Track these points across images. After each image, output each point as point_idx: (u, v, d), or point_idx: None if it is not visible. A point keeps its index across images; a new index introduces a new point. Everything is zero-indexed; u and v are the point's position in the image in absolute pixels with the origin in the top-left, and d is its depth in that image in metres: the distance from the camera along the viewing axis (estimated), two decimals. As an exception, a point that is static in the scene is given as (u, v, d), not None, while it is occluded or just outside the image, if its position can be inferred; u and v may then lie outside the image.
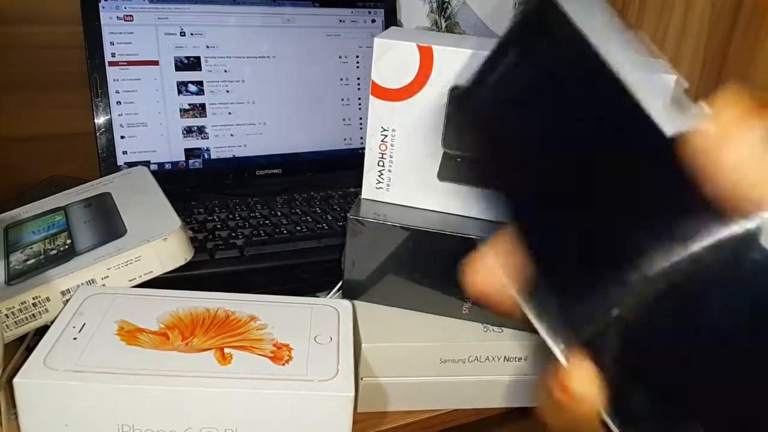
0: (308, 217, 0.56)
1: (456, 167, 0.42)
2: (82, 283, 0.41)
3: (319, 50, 0.65)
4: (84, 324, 0.36)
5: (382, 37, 0.41)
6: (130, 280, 0.42)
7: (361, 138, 0.67)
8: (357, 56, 0.67)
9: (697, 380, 0.16)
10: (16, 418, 0.33)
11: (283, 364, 0.35)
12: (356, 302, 0.43)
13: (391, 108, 0.42)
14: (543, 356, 0.20)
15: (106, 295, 0.39)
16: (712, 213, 0.16)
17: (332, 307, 0.41)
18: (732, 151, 0.16)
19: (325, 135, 0.66)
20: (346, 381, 0.34)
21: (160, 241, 0.43)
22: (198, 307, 0.39)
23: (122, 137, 0.59)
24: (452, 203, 0.43)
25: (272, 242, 0.52)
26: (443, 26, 0.75)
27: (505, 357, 0.41)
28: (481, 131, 0.20)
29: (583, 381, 0.17)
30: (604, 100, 0.18)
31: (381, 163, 0.44)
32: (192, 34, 0.60)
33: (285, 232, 0.54)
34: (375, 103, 0.43)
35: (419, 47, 0.41)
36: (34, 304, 0.40)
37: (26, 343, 0.41)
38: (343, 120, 0.67)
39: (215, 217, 0.55)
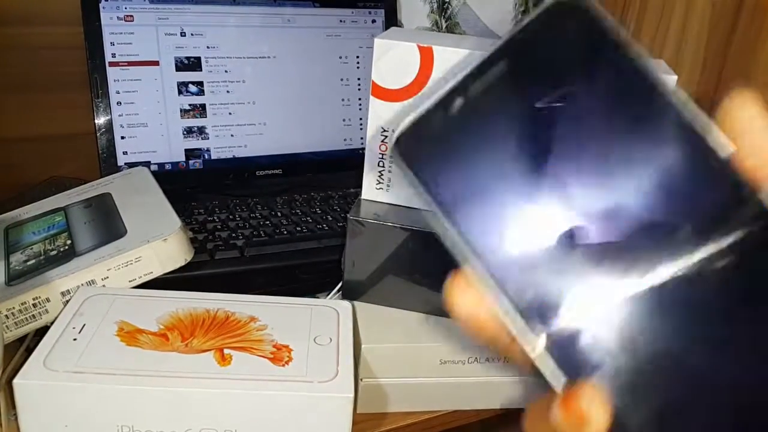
0: (308, 218, 0.56)
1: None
2: (82, 284, 0.41)
3: (319, 50, 0.65)
4: (84, 325, 0.36)
5: (383, 38, 0.41)
6: (130, 281, 0.42)
7: (362, 138, 0.67)
8: (357, 56, 0.67)
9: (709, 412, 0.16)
10: (16, 419, 0.33)
11: (283, 365, 0.35)
12: (356, 303, 0.43)
13: (391, 108, 0.42)
14: (536, 386, 0.18)
15: (106, 295, 0.39)
16: None
17: (332, 308, 0.41)
18: None
19: (325, 135, 0.66)
20: (346, 382, 0.34)
21: (160, 241, 0.43)
22: (198, 307, 0.39)
23: (122, 138, 0.59)
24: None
25: (272, 243, 0.52)
26: (444, 26, 0.75)
27: (504, 358, 0.41)
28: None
29: (591, 406, 0.16)
30: (658, 115, 0.17)
31: (381, 164, 0.44)
32: (192, 34, 0.60)
33: (285, 232, 0.54)
34: (375, 104, 0.43)
35: (420, 47, 0.41)
36: (34, 305, 0.40)
37: (26, 344, 0.41)
38: (344, 120, 0.67)
39: (215, 218, 0.55)
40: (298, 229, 0.54)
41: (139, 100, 0.59)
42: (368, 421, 0.41)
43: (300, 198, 0.61)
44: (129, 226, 0.45)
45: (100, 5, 0.57)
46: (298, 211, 0.58)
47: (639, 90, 0.17)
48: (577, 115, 0.17)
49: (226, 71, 0.62)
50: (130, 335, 0.36)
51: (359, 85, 0.67)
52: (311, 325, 0.39)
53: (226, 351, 0.36)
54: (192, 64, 0.60)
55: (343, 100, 0.67)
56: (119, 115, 0.58)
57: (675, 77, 0.39)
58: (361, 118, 0.68)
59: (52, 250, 0.45)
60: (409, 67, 0.41)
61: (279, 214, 0.57)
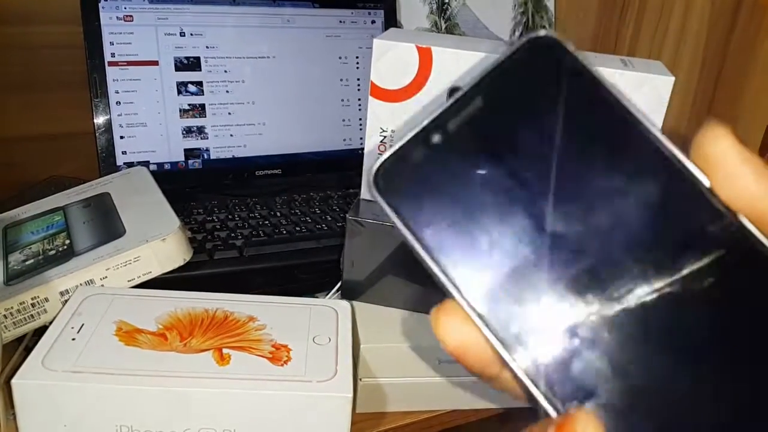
0: (307, 218, 0.56)
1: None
2: (81, 284, 0.41)
3: (318, 51, 0.65)
4: (82, 324, 0.36)
5: (382, 38, 0.41)
6: (128, 281, 0.42)
7: (361, 138, 0.67)
8: (357, 57, 0.67)
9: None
10: (15, 418, 0.33)
11: (282, 365, 0.35)
12: (355, 303, 0.43)
13: (390, 109, 0.42)
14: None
15: (104, 295, 0.39)
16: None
17: (331, 308, 0.41)
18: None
19: (324, 135, 0.66)
20: (345, 382, 0.34)
21: (159, 241, 0.43)
22: (196, 307, 0.39)
23: (122, 137, 0.59)
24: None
25: (271, 243, 0.52)
26: (443, 27, 0.75)
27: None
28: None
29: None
30: (637, 151, 0.17)
31: (380, 164, 0.44)
32: (192, 34, 0.60)
33: (284, 232, 0.54)
34: (374, 104, 0.43)
35: (418, 48, 0.41)
36: (32, 305, 0.40)
37: (25, 344, 0.41)
38: (343, 120, 0.67)
39: (214, 218, 0.55)
40: (297, 229, 0.54)
41: (138, 100, 0.59)
42: (367, 420, 0.41)
43: (299, 198, 0.61)
44: (128, 226, 0.45)
45: (100, 5, 0.57)
46: (297, 211, 0.58)
47: (615, 125, 0.18)
48: (554, 149, 0.18)
49: (225, 71, 0.62)
50: (129, 335, 0.36)
51: (359, 85, 0.67)
52: (310, 324, 0.39)
53: (224, 351, 0.36)
54: (191, 64, 0.60)
55: (342, 100, 0.67)
56: (118, 115, 0.58)
57: (672, 78, 0.39)
58: (360, 119, 0.68)
59: (51, 249, 0.45)
60: (408, 68, 0.41)
61: (278, 214, 0.57)
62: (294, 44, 0.64)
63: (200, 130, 0.61)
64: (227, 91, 0.62)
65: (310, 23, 0.65)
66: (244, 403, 0.33)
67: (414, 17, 0.73)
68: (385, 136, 0.43)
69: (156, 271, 0.43)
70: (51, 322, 0.37)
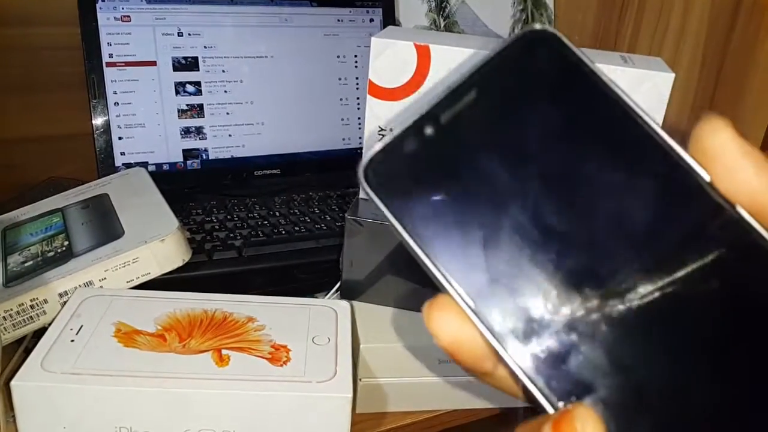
0: (306, 218, 0.56)
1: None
2: (80, 285, 0.41)
3: (317, 50, 0.65)
4: (81, 326, 0.36)
5: (380, 37, 0.41)
6: (127, 282, 0.42)
7: (360, 138, 0.67)
8: (355, 56, 0.67)
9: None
10: (14, 420, 0.33)
11: (281, 366, 0.35)
12: (354, 303, 0.43)
13: (388, 107, 0.42)
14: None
15: (103, 297, 0.39)
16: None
17: (330, 308, 0.41)
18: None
19: (323, 135, 0.66)
20: (345, 382, 0.34)
21: (158, 242, 0.43)
22: (196, 308, 0.39)
23: (120, 138, 0.59)
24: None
25: (270, 243, 0.52)
26: (442, 25, 0.75)
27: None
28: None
29: (585, 428, 0.15)
30: (634, 145, 0.17)
31: (379, 163, 0.44)
32: (189, 34, 0.60)
33: (283, 232, 0.53)
34: (372, 103, 0.42)
35: (416, 46, 0.41)
36: (31, 306, 0.40)
37: (24, 345, 0.41)
38: (342, 120, 0.67)
39: (213, 218, 0.55)
40: (297, 228, 0.54)
41: (136, 101, 0.59)
42: (367, 421, 0.41)
43: (298, 198, 0.60)
44: (126, 227, 0.45)
45: (97, 6, 0.57)
46: (296, 210, 0.58)
47: (612, 118, 0.17)
48: (549, 143, 0.17)
49: (223, 71, 0.62)
50: (128, 336, 0.36)
51: (357, 84, 0.67)
52: (309, 325, 0.39)
53: (224, 351, 0.35)
54: (189, 64, 0.60)
55: (341, 99, 0.67)
56: (116, 116, 0.58)
57: (672, 75, 0.39)
58: (359, 118, 0.68)
59: (50, 251, 0.45)
60: (407, 66, 0.41)
61: (277, 213, 0.57)
62: (292, 43, 0.64)
63: (198, 131, 0.61)
64: (225, 91, 0.62)
65: (309, 22, 0.65)
66: (243, 404, 0.33)
67: (413, 15, 0.73)
68: (383, 135, 0.43)
69: (155, 272, 0.43)
70: (50, 324, 0.37)
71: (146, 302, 0.39)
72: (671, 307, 0.16)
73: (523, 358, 0.17)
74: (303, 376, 0.34)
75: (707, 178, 0.17)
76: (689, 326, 0.16)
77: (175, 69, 0.60)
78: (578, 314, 0.17)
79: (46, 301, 0.40)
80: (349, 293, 0.45)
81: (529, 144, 0.17)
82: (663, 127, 0.17)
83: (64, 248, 0.45)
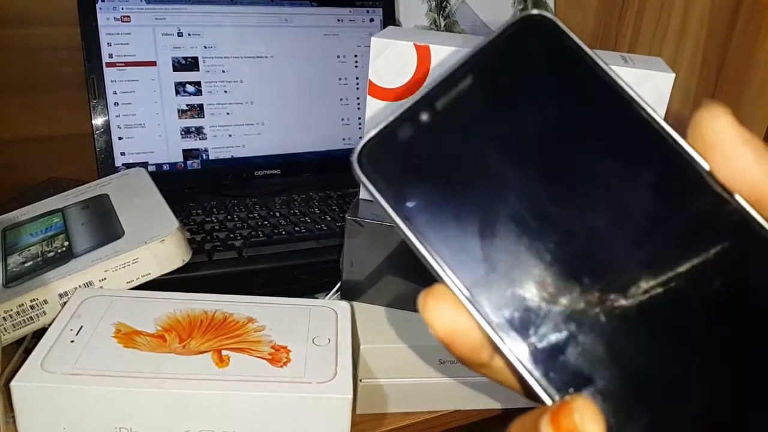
0: (307, 218, 0.56)
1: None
2: (80, 286, 0.41)
3: (317, 50, 0.65)
4: (81, 327, 0.36)
5: (380, 37, 0.41)
6: (127, 282, 0.42)
7: (360, 138, 0.67)
8: (355, 56, 0.67)
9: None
10: (14, 421, 0.33)
11: (281, 366, 0.35)
12: (355, 303, 0.43)
13: (388, 107, 0.42)
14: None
15: (103, 297, 0.39)
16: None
17: (330, 309, 0.41)
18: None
19: (323, 135, 0.66)
20: (345, 383, 0.34)
21: (158, 242, 0.43)
22: (195, 309, 0.39)
23: (120, 138, 0.58)
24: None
25: (271, 243, 0.52)
26: (442, 25, 0.75)
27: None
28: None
29: (583, 420, 0.15)
30: (632, 132, 0.17)
31: (379, 164, 0.44)
32: (189, 34, 0.60)
33: (283, 232, 0.53)
34: (372, 103, 0.42)
35: (416, 46, 0.40)
36: (31, 307, 0.40)
37: (24, 346, 0.41)
38: (342, 120, 0.67)
39: (213, 218, 0.55)
40: (297, 229, 0.54)
41: (136, 101, 0.59)
42: (368, 421, 0.41)
43: (298, 198, 0.60)
44: (126, 228, 0.45)
45: (97, 6, 0.57)
46: (296, 211, 0.58)
47: (608, 105, 0.17)
48: (545, 129, 0.17)
49: (223, 71, 0.61)
50: (128, 337, 0.36)
51: (357, 84, 0.67)
52: (310, 325, 0.38)
53: (224, 352, 0.35)
54: (189, 64, 0.60)
55: (341, 99, 0.67)
56: (116, 116, 0.58)
57: (673, 75, 0.39)
58: (359, 118, 0.68)
59: (50, 251, 0.45)
60: (406, 66, 0.41)
61: (277, 214, 0.57)
62: (292, 43, 0.64)
63: (199, 131, 0.61)
64: (225, 91, 0.62)
65: (309, 22, 0.65)
66: (243, 405, 0.33)
67: (413, 15, 0.73)
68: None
69: (155, 273, 0.43)
70: (50, 325, 0.37)
71: (146, 303, 0.39)
72: (669, 297, 0.16)
73: (520, 348, 0.16)
74: (303, 377, 0.34)
75: (706, 167, 0.16)
76: (688, 317, 0.16)
77: (175, 69, 0.60)
78: (576, 304, 0.16)
79: (46, 302, 0.40)
80: (349, 294, 0.45)
81: (524, 130, 0.17)
82: (668, 125, 0.17)
83: (64, 249, 0.44)
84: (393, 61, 0.41)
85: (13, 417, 0.33)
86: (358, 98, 0.67)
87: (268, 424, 0.33)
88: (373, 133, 0.17)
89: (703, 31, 0.68)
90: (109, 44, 0.57)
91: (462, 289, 0.16)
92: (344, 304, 0.41)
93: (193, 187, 0.61)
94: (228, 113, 0.62)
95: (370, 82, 0.42)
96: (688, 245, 0.16)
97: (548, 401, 0.16)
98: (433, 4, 0.74)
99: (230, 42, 0.61)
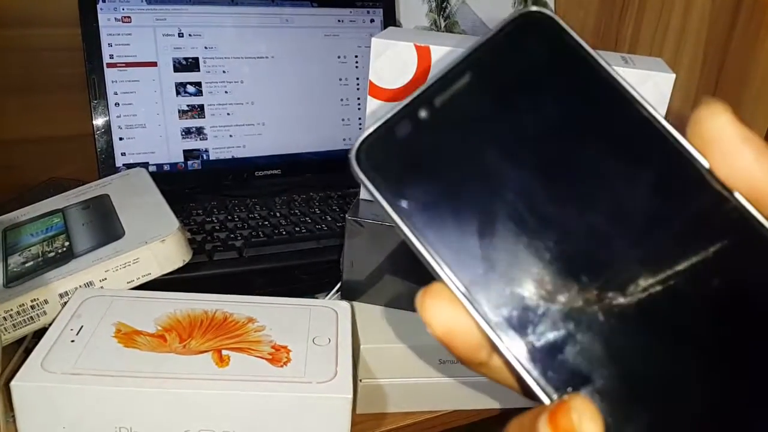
0: (307, 218, 0.56)
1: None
2: (80, 286, 0.41)
3: (317, 50, 0.65)
4: (82, 326, 0.36)
5: (380, 37, 0.41)
6: (128, 282, 0.42)
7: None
8: (356, 56, 0.67)
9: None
10: (14, 421, 0.33)
11: (282, 366, 0.35)
12: (355, 303, 0.43)
13: (389, 108, 0.42)
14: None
15: (104, 297, 0.39)
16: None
17: (331, 309, 0.41)
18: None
19: (324, 135, 0.66)
20: (345, 382, 0.34)
21: (158, 242, 0.43)
22: (196, 308, 0.39)
23: (121, 139, 0.59)
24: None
25: (271, 243, 0.52)
26: (442, 26, 0.75)
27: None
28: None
29: (581, 419, 0.15)
30: (631, 130, 0.17)
31: (379, 164, 0.44)
32: (190, 35, 0.60)
33: (284, 233, 0.53)
34: (372, 104, 0.42)
35: (417, 47, 0.40)
36: (32, 307, 0.40)
37: (24, 346, 0.41)
38: (342, 120, 0.67)
39: (214, 219, 0.55)
40: (297, 229, 0.54)
41: (137, 101, 0.59)
42: (368, 421, 0.41)
43: (299, 198, 0.60)
44: (127, 228, 0.45)
45: (98, 6, 0.57)
46: (296, 211, 0.58)
47: (607, 102, 0.17)
48: (543, 127, 0.17)
49: (224, 72, 0.62)
50: (128, 337, 0.36)
51: (358, 84, 0.67)
52: (310, 325, 0.39)
53: (224, 352, 0.35)
54: (190, 64, 0.60)
55: (341, 99, 0.67)
56: (117, 117, 0.58)
57: (673, 75, 0.39)
58: (360, 118, 0.68)
59: (50, 251, 0.45)
60: (407, 67, 0.41)
61: (278, 214, 0.57)
62: (293, 44, 0.64)
63: (199, 131, 0.61)
64: (226, 92, 0.62)
65: (309, 23, 0.65)
66: (243, 405, 0.33)
67: (413, 16, 0.73)
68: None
69: (155, 273, 0.43)
70: (50, 324, 0.37)
71: (146, 303, 0.39)
72: (668, 296, 0.16)
73: (518, 347, 0.16)
74: (303, 377, 0.34)
75: (706, 164, 0.16)
76: (686, 315, 0.16)
77: (176, 70, 0.60)
78: (575, 303, 0.16)
79: (46, 302, 0.40)
80: (349, 294, 0.45)
81: (523, 128, 0.17)
82: (667, 122, 0.17)
83: (64, 249, 0.45)
84: (393, 61, 0.41)
85: (13, 416, 0.33)
86: (358, 99, 0.67)
87: (268, 423, 0.33)
88: (371, 130, 0.17)
89: (704, 31, 0.68)
90: (110, 45, 0.57)
91: (460, 288, 0.16)
92: (344, 304, 0.41)
93: (194, 187, 0.61)
94: (228, 113, 0.62)
95: (371, 82, 0.42)
96: (687, 243, 0.16)
97: (546, 400, 0.16)
98: (434, 4, 0.74)
99: (231, 42, 0.62)
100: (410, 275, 0.43)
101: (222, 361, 0.35)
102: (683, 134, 0.17)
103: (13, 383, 0.32)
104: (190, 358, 0.35)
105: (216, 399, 0.33)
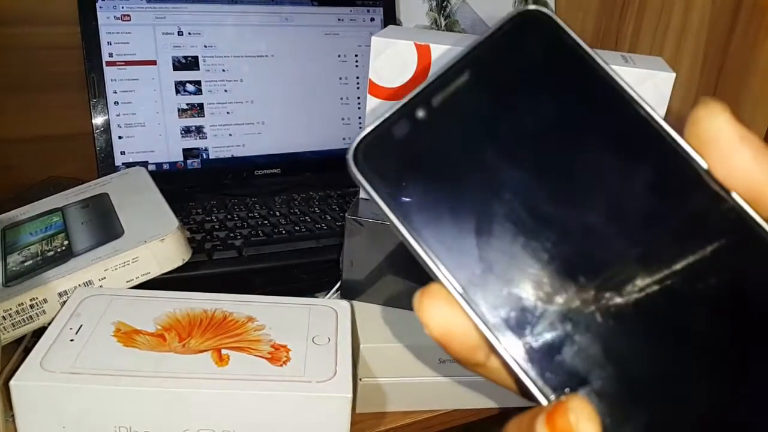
0: (307, 217, 0.56)
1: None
2: (80, 285, 0.41)
3: (317, 49, 0.65)
4: (81, 326, 0.36)
5: (380, 36, 0.41)
6: (127, 282, 0.42)
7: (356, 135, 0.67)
8: (356, 55, 0.67)
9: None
10: (13, 420, 0.33)
11: (281, 365, 0.35)
12: (354, 302, 0.43)
13: (386, 108, 0.42)
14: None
15: (103, 296, 0.39)
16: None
17: (330, 308, 0.40)
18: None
19: (324, 134, 0.66)
20: (344, 382, 0.34)
21: (158, 242, 0.43)
22: (195, 308, 0.39)
23: (120, 137, 0.58)
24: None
25: (271, 242, 0.52)
26: (442, 25, 0.75)
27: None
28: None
29: (579, 420, 0.15)
30: (629, 129, 0.17)
31: (379, 163, 0.44)
32: (190, 33, 0.60)
33: (283, 232, 0.53)
34: (372, 102, 0.42)
35: (417, 46, 0.40)
36: (31, 306, 0.40)
37: (24, 345, 0.41)
38: (342, 119, 0.67)
39: (213, 218, 0.55)
40: (297, 228, 0.54)
41: (136, 100, 0.59)
42: (367, 420, 0.41)
43: (299, 197, 0.60)
44: (126, 227, 0.45)
45: (97, 5, 0.57)
46: (296, 210, 0.58)
47: (605, 102, 0.17)
48: (541, 126, 0.17)
49: (223, 70, 0.61)
50: (127, 336, 0.36)
51: (358, 83, 0.67)
52: (309, 324, 0.38)
53: (223, 351, 0.35)
54: (189, 63, 0.60)
55: (341, 98, 0.67)
56: (116, 115, 0.58)
57: (673, 74, 0.39)
58: (360, 117, 0.68)
59: (50, 250, 0.45)
60: (407, 66, 0.41)
61: (277, 213, 0.57)
62: (293, 43, 0.64)
63: (199, 130, 0.61)
64: (226, 91, 0.62)
65: (309, 21, 0.64)
66: (243, 404, 0.33)
67: (413, 15, 0.73)
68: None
69: (155, 272, 0.43)
70: (49, 323, 0.37)
71: (146, 302, 0.39)
72: (666, 296, 0.16)
73: (515, 348, 0.16)
74: (303, 376, 0.34)
75: (704, 164, 0.16)
76: (684, 316, 0.16)
77: (175, 68, 0.60)
78: (572, 304, 0.16)
79: (45, 301, 0.40)
80: (349, 293, 0.45)
81: (520, 127, 0.17)
82: (665, 122, 0.17)
83: (63, 248, 0.44)
84: (393, 60, 0.41)
85: (13, 416, 0.33)
86: (358, 98, 0.67)
87: (268, 423, 0.33)
88: (368, 130, 0.17)
89: (704, 31, 0.68)
90: (109, 43, 0.57)
91: (457, 288, 0.16)
92: (344, 303, 0.41)
93: (193, 186, 0.61)
94: (228, 112, 0.62)
95: (371, 81, 0.42)
96: (684, 244, 0.16)
97: (544, 401, 0.16)
98: (434, 3, 0.74)
99: (230, 41, 0.61)
100: (410, 274, 0.43)
101: (221, 360, 0.35)
102: (681, 134, 0.17)
103: (12, 382, 0.32)
104: (190, 357, 0.35)
105: (215, 398, 0.33)
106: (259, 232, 0.53)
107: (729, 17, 0.65)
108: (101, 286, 0.42)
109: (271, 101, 0.64)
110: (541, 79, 0.17)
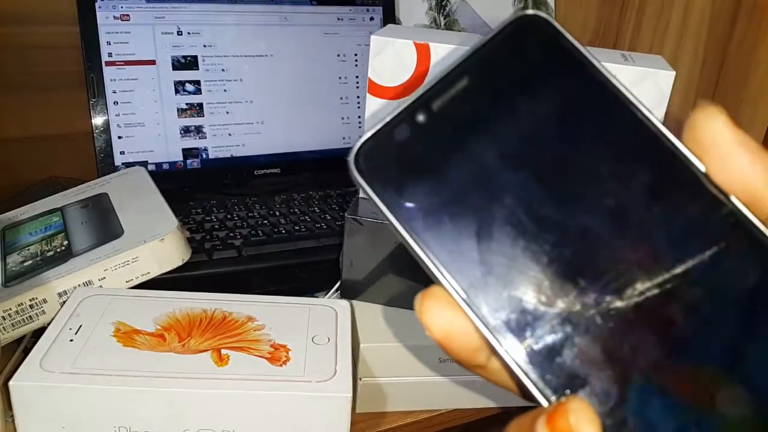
0: (306, 217, 0.56)
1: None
2: (79, 285, 0.41)
3: (317, 48, 0.65)
4: (80, 326, 0.36)
5: (379, 35, 0.41)
6: (127, 282, 0.42)
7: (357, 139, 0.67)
8: (355, 54, 0.67)
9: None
10: (13, 420, 0.33)
11: (281, 365, 0.35)
12: (354, 302, 0.43)
13: (387, 107, 0.42)
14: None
15: (102, 296, 0.39)
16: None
17: (330, 308, 0.40)
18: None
19: (323, 134, 0.66)
20: (344, 382, 0.34)
21: (157, 241, 0.43)
22: (195, 308, 0.39)
23: (119, 137, 0.58)
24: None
25: (270, 242, 0.52)
26: (442, 24, 0.75)
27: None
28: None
29: (579, 422, 0.15)
30: (628, 133, 0.17)
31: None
32: (189, 33, 0.60)
33: (283, 231, 0.53)
34: (372, 101, 0.42)
35: (416, 45, 0.40)
36: (31, 306, 0.40)
37: (23, 345, 0.41)
38: (342, 119, 0.67)
39: (213, 218, 0.55)
40: (297, 228, 0.54)
41: (135, 100, 0.59)
42: (367, 420, 0.41)
43: (298, 197, 0.60)
44: (126, 227, 0.45)
45: (96, 4, 0.57)
46: (296, 210, 0.58)
47: (604, 105, 0.17)
48: (541, 130, 0.17)
49: (223, 70, 0.61)
50: (127, 336, 0.36)
51: (357, 83, 0.67)
52: (309, 324, 0.38)
53: (223, 351, 0.35)
54: (189, 63, 0.60)
55: (341, 98, 0.67)
56: (116, 115, 0.58)
57: (673, 73, 0.39)
58: (359, 117, 0.68)
59: (49, 250, 0.45)
60: (406, 65, 0.41)
61: (277, 213, 0.57)
62: (292, 42, 0.64)
63: (198, 130, 0.61)
64: (225, 90, 0.62)
65: (309, 21, 0.64)
66: (242, 404, 0.33)
67: (413, 14, 0.73)
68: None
69: (154, 272, 0.43)
70: (49, 324, 0.37)
71: (145, 302, 0.39)
72: (665, 299, 0.16)
73: (516, 350, 0.16)
74: (303, 376, 0.34)
75: (702, 168, 0.16)
76: (683, 318, 0.16)
77: (175, 68, 0.60)
78: (572, 306, 0.16)
79: (45, 301, 0.40)
80: (349, 293, 0.45)
81: (520, 131, 0.17)
82: (663, 126, 0.17)
83: (63, 248, 0.44)
84: (393, 59, 0.41)
85: (12, 416, 0.33)
86: (358, 97, 0.67)
87: (268, 422, 0.33)
88: (369, 134, 0.17)
89: (704, 30, 0.68)
90: (109, 43, 0.57)
91: (459, 291, 0.16)
92: (344, 303, 0.41)
93: (193, 186, 0.61)
94: (228, 112, 0.62)
95: (370, 80, 0.42)
96: (683, 247, 0.16)
97: (544, 403, 0.16)
98: (433, 2, 0.74)
99: (230, 41, 0.61)
100: (410, 274, 0.43)
101: (221, 360, 0.35)
102: (680, 138, 0.17)
103: (11, 383, 0.32)
104: (190, 357, 0.35)
105: (215, 398, 0.33)
106: (259, 231, 0.53)
107: (729, 17, 0.65)
108: (101, 286, 0.42)
109: (270, 101, 0.64)
110: (540, 83, 0.17)
